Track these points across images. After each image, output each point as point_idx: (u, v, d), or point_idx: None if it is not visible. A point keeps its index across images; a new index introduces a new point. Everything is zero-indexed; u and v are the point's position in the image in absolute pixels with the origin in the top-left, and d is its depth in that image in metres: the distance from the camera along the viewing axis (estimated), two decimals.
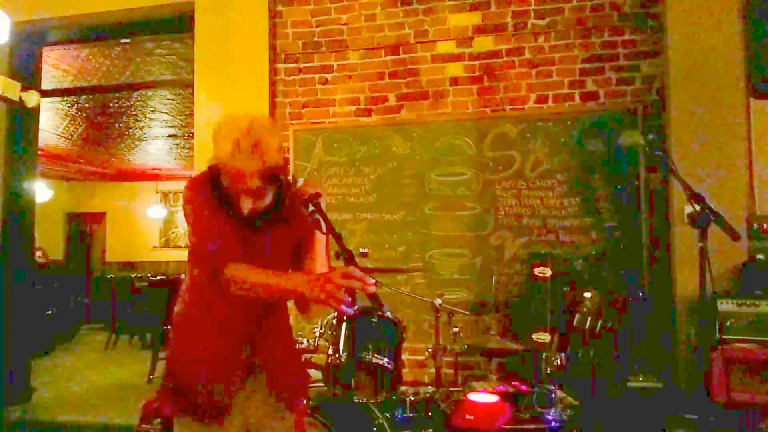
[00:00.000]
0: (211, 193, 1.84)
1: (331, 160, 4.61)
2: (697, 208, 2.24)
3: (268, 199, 1.86)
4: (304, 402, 2.10)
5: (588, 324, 3.33)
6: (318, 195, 1.81)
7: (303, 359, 3.21)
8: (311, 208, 1.81)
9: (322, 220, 1.79)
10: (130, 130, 9.11)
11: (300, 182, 1.87)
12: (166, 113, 8.06)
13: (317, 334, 3.30)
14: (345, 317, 3.03)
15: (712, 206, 2.24)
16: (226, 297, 1.75)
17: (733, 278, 3.59)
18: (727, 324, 3.35)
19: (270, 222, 1.88)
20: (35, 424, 4.83)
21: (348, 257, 1.66)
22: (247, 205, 1.83)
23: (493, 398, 3.11)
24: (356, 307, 1.56)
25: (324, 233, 1.83)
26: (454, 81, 4.45)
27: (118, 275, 10.73)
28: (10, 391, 5.14)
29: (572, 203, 4.17)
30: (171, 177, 13.02)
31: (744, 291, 3.48)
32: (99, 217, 13.75)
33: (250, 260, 1.78)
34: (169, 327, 1.97)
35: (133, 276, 9.85)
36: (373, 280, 1.58)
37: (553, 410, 2.99)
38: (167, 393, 1.91)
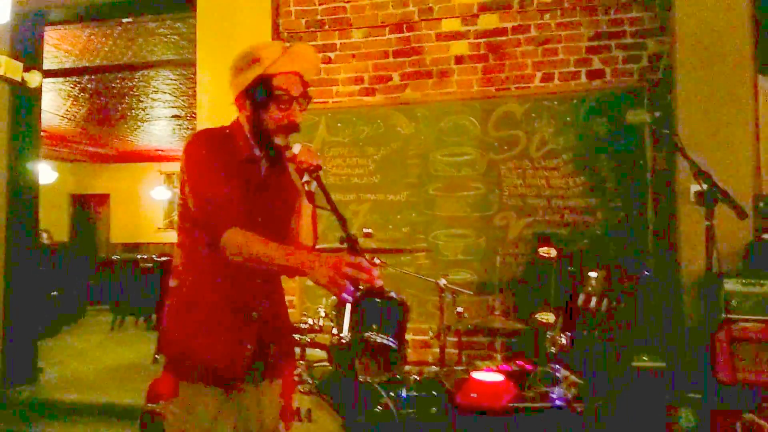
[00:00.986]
0: (223, 146, 1.82)
1: (334, 140, 4.58)
2: (704, 186, 2.22)
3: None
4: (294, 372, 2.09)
5: (593, 303, 3.32)
6: (319, 167, 1.75)
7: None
8: (306, 177, 1.75)
9: (324, 197, 1.73)
10: (133, 111, 9.10)
11: (297, 148, 1.79)
12: (169, 93, 8.04)
13: (322, 313, 3.30)
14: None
15: (719, 184, 2.23)
16: (228, 265, 1.70)
17: (739, 257, 3.58)
18: (733, 303, 3.34)
19: (276, 171, 1.89)
20: (42, 404, 4.89)
21: (352, 244, 1.63)
22: (281, 139, 1.81)
23: (498, 377, 3.12)
24: (358, 294, 1.52)
25: (317, 206, 1.79)
26: (459, 59, 4.41)
27: (123, 256, 10.75)
28: (17, 372, 5.18)
29: (577, 183, 4.15)
30: (174, 158, 13.01)
31: (750, 270, 3.46)
32: (103, 199, 13.80)
33: (254, 218, 1.78)
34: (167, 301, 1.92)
35: (137, 257, 9.88)
36: (378, 269, 1.54)
37: (557, 389, 3.00)
38: (177, 364, 1.84)
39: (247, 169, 1.86)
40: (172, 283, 1.91)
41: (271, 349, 1.88)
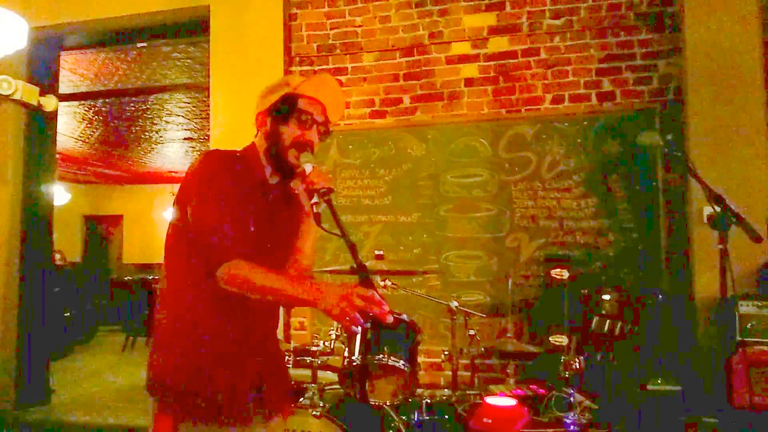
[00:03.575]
0: (234, 170, 1.80)
1: (345, 162, 4.60)
2: (717, 209, 2.21)
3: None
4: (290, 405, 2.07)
5: (606, 326, 3.29)
6: (330, 190, 1.71)
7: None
8: (315, 199, 1.72)
9: (334, 222, 1.68)
10: (147, 134, 9.20)
11: (309, 167, 1.77)
12: (182, 116, 8.12)
13: (333, 336, 3.29)
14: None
15: (732, 206, 2.21)
16: (227, 294, 1.65)
17: (754, 280, 3.54)
18: (748, 326, 3.31)
19: (284, 194, 1.90)
20: (54, 425, 4.88)
21: (364, 276, 1.57)
22: (293, 157, 1.81)
23: (511, 402, 3.08)
24: (367, 326, 1.48)
25: (325, 230, 1.75)
26: (469, 82, 4.43)
27: (135, 277, 10.79)
28: (29, 393, 5.19)
29: (589, 204, 4.13)
30: None
31: (765, 293, 3.42)
32: (116, 220, 13.89)
33: (263, 243, 1.77)
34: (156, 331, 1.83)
35: (150, 278, 9.91)
36: (388, 307, 1.50)
37: (571, 414, 2.96)
38: (176, 400, 1.74)
39: (257, 193, 1.85)
40: (161, 314, 1.82)
41: (268, 382, 1.84)
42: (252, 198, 1.82)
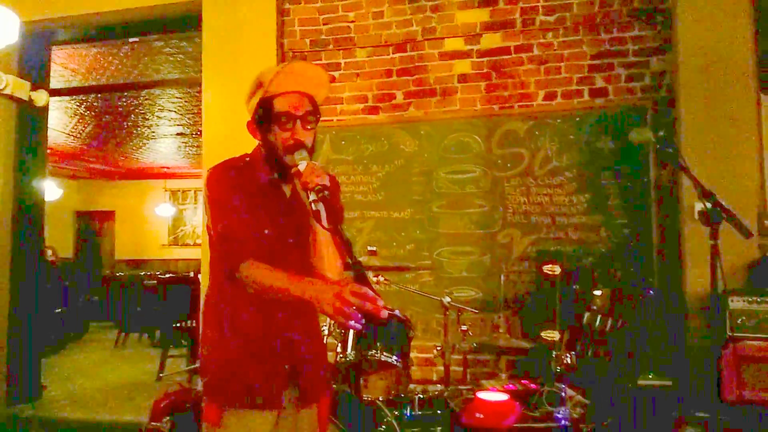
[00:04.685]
0: (241, 178, 1.84)
1: (338, 158, 4.60)
2: (708, 205, 2.22)
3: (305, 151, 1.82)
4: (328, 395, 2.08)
5: (598, 322, 3.31)
6: (325, 187, 1.71)
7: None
8: (312, 197, 1.70)
9: (331, 219, 1.69)
10: (139, 129, 9.16)
11: (302, 165, 1.76)
12: (174, 112, 8.09)
13: (326, 331, 3.29)
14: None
15: (723, 203, 2.22)
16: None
17: (745, 275, 3.56)
18: (738, 321, 3.32)
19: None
20: (46, 422, 4.86)
21: (359, 273, 1.59)
22: (289, 159, 1.80)
23: (503, 397, 3.10)
24: (362, 322, 1.50)
25: (323, 227, 1.73)
26: (462, 78, 4.43)
27: (128, 273, 10.77)
28: (21, 389, 5.17)
29: (581, 200, 4.15)
30: (179, 175, 13.07)
31: (755, 288, 3.45)
32: (108, 216, 13.83)
33: (284, 240, 1.83)
34: (200, 321, 1.93)
35: (142, 274, 9.89)
36: (383, 302, 1.51)
37: (563, 409, 2.98)
38: (218, 388, 1.84)
39: (269, 194, 1.88)
40: (204, 309, 1.95)
41: (304, 373, 1.88)
42: (264, 200, 1.86)
